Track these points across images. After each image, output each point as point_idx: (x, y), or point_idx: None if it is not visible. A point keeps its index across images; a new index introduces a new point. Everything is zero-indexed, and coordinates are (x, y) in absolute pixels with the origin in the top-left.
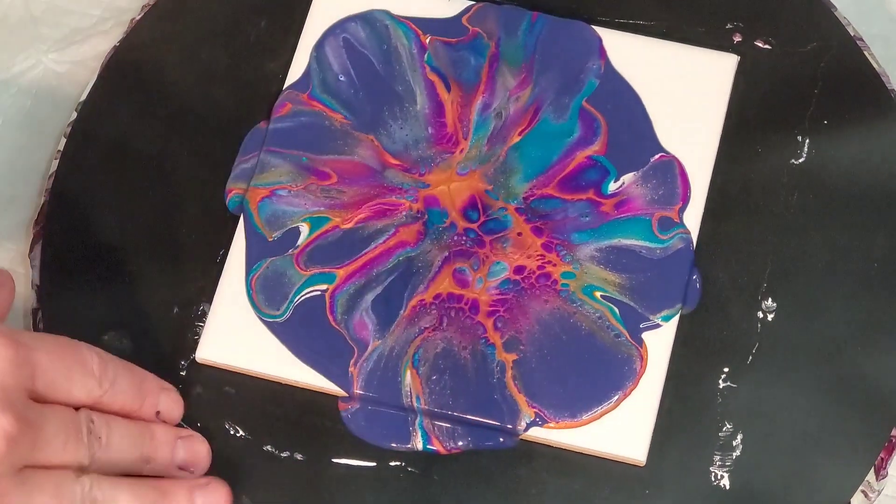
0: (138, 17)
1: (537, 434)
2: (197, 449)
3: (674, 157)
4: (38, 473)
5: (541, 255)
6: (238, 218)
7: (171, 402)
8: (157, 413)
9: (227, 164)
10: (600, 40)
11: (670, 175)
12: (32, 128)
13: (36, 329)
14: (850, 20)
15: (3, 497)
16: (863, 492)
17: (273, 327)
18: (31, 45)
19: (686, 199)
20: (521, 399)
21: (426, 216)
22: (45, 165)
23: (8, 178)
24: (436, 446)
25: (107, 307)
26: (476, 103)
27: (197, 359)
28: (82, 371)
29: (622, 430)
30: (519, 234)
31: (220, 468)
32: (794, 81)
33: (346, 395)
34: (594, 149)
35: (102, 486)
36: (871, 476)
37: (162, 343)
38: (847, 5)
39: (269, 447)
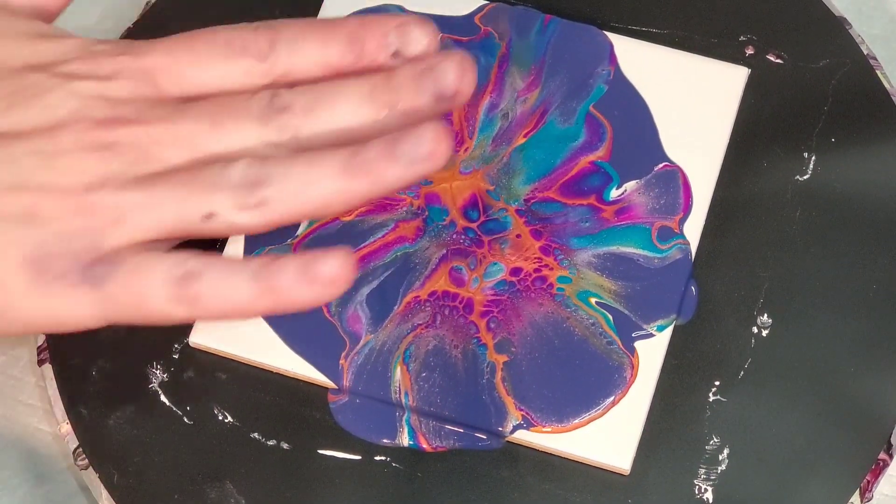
0: (153, 1)
1: (523, 437)
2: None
3: (678, 166)
4: (165, 177)
5: (538, 259)
6: None
7: (410, 33)
8: (394, 55)
9: None
10: (611, 46)
11: (673, 185)
12: None
13: None
14: (850, 20)
15: (128, 211)
16: None
17: (267, 316)
18: None
19: (687, 210)
20: (510, 401)
21: (426, 213)
22: None
23: None
24: (422, 443)
25: None
26: (483, 103)
27: (190, 343)
28: (225, 51)
29: (608, 437)
30: (518, 235)
31: (206, 453)
32: (804, 97)
33: (336, 387)
34: (598, 154)
35: (269, 164)
36: (855, 498)
37: (157, 325)
38: (847, 5)
39: (256, 434)
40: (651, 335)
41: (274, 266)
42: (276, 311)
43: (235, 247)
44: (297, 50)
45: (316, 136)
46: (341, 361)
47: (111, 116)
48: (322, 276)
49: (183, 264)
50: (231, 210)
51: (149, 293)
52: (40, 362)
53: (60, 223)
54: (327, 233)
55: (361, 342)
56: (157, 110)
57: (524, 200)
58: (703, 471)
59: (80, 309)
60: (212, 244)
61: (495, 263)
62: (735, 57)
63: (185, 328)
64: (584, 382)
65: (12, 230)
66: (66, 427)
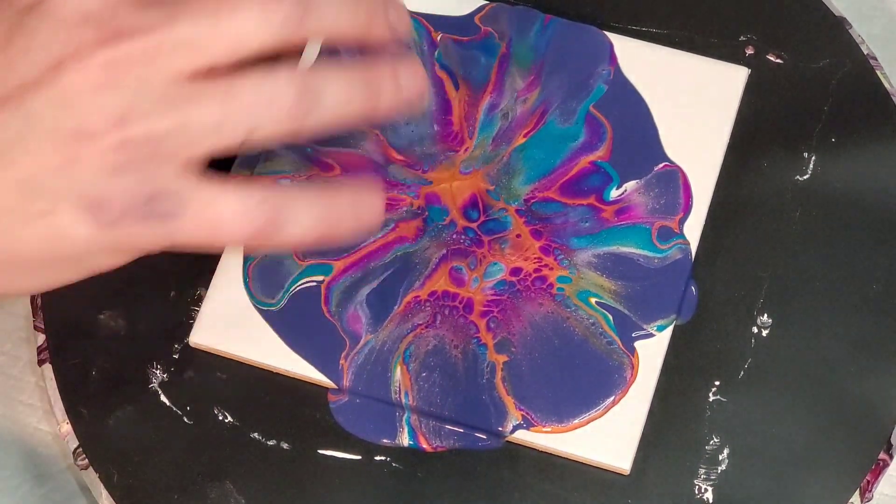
0: None
1: (523, 437)
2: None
3: (678, 166)
4: (194, 96)
5: (538, 258)
6: None
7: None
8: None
9: None
10: (611, 46)
11: (673, 185)
12: None
13: (34, 308)
14: (850, 20)
15: (165, 139)
16: None
17: (267, 316)
18: None
19: (687, 210)
20: (510, 401)
21: (426, 213)
22: None
23: None
24: (422, 443)
25: (105, 287)
26: (483, 103)
27: (190, 343)
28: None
29: (609, 437)
30: (518, 235)
31: (206, 453)
32: (804, 97)
33: (336, 387)
34: (598, 154)
35: (313, 77)
36: (855, 498)
37: (157, 325)
38: (847, 5)
39: (256, 435)
40: (651, 335)
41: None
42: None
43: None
44: None
45: (318, 29)
46: (341, 361)
47: (103, 36)
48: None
49: (253, 194)
50: (274, 122)
51: (222, 223)
52: (40, 362)
53: (102, 164)
54: None
55: (361, 342)
56: (147, 15)
57: (524, 200)
58: (703, 471)
59: (148, 241)
60: None
61: (495, 263)
62: (735, 57)
63: (185, 328)
64: (584, 382)
65: (58, 182)
66: (66, 427)
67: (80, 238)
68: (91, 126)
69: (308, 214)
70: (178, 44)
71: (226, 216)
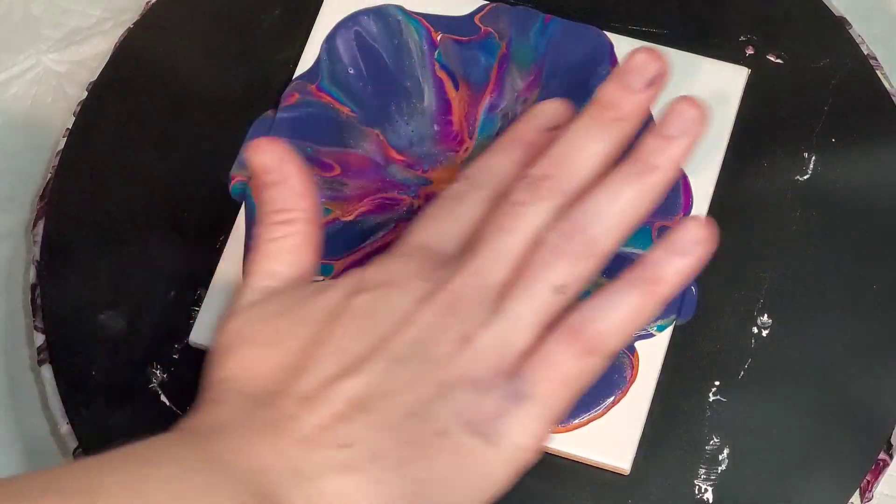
0: (153, 1)
1: None
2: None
3: None
4: (508, 295)
5: None
6: (240, 205)
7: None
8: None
9: (233, 150)
10: (612, 46)
11: (673, 185)
12: (32, 128)
13: (34, 308)
14: (850, 20)
15: (502, 338)
16: None
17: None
18: (31, 45)
19: (687, 210)
20: None
21: None
22: (44, 166)
23: (7, 179)
24: None
25: (105, 287)
26: (483, 103)
27: (190, 343)
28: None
29: (609, 437)
30: None
31: None
32: (804, 97)
33: None
34: None
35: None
36: (856, 498)
37: (158, 325)
38: (847, 5)
39: None
40: (651, 335)
41: (646, 263)
42: (662, 303)
43: (236, 246)
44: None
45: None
46: None
47: (432, 290)
48: (687, 244)
49: (569, 327)
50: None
51: (564, 370)
52: (40, 362)
53: (467, 386)
54: (327, 233)
55: None
56: (447, 267)
57: None
58: (703, 471)
59: (532, 427)
60: (213, 241)
61: None
62: (735, 57)
63: (185, 328)
64: None
65: (439, 410)
66: (66, 427)
67: (487, 465)
68: (443, 352)
69: (614, 312)
70: (487, 264)
71: (561, 360)
